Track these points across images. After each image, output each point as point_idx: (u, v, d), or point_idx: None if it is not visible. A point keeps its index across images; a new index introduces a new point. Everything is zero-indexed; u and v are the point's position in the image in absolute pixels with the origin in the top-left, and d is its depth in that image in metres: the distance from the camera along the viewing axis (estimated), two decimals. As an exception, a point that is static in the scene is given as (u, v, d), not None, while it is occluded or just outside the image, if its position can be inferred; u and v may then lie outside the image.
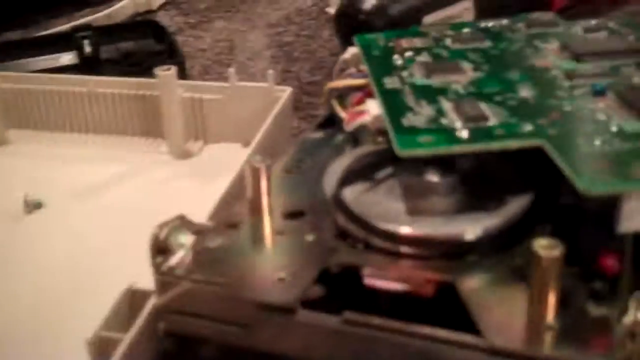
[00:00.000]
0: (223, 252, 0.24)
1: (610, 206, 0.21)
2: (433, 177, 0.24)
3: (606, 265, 0.21)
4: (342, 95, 0.32)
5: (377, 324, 0.21)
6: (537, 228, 0.23)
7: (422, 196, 0.24)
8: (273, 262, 0.24)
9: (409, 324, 0.21)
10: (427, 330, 0.21)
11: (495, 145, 0.23)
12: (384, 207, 0.24)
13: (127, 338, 0.24)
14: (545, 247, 0.19)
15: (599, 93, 0.26)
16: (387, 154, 0.26)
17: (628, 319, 0.19)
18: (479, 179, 0.25)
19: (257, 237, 0.25)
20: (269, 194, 0.25)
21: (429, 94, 0.27)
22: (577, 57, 0.29)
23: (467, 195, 0.24)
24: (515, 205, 0.24)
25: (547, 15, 0.34)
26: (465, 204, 0.24)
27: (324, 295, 0.23)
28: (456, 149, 0.23)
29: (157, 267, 0.24)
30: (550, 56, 0.30)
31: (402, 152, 0.23)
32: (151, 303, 0.24)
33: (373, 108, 0.27)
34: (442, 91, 0.27)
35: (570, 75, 0.28)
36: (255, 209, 0.25)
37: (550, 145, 0.23)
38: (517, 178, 0.25)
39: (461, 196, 0.24)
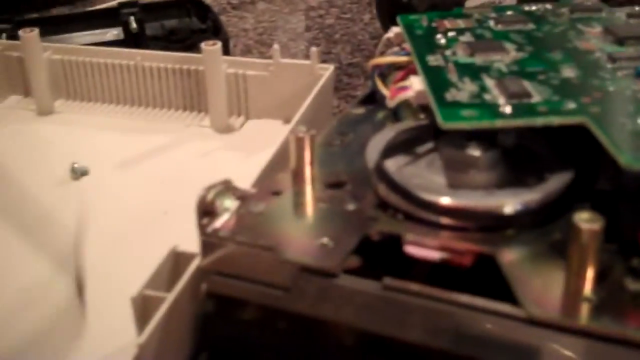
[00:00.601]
0: (266, 217, 0.25)
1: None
2: (474, 152, 0.25)
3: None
4: (384, 73, 0.32)
5: (416, 290, 0.22)
6: (575, 207, 0.24)
7: (463, 170, 0.25)
8: (315, 229, 0.24)
9: (447, 291, 0.21)
10: (465, 298, 0.21)
11: (538, 121, 0.23)
12: (425, 179, 0.25)
13: (170, 297, 0.25)
14: (586, 220, 0.20)
15: (641, 75, 0.26)
16: (429, 129, 0.26)
17: None
18: (519, 155, 0.25)
19: (299, 204, 0.26)
20: (312, 163, 0.26)
21: (472, 71, 0.27)
22: (620, 41, 0.29)
23: (508, 171, 0.25)
24: (555, 182, 0.24)
25: (590, 1, 0.34)
26: (506, 179, 0.24)
27: (362, 264, 0.24)
28: (499, 123, 0.24)
29: (202, 229, 0.24)
30: (593, 39, 0.30)
31: (446, 124, 0.24)
32: (194, 264, 0.25)
33: (416, 84, 0.28)
34: (485, 69, 0.28)
35: (613, 57, 0.28)
36: (298, 177, 0.26)
37: (593, 122, 0.23)
38: (558, 156, 0.25)
39: (501, 171, 0.25)
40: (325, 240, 0.23)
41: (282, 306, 0.23)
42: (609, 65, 0.27)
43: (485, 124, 0.24)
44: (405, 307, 0.22)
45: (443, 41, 0.31)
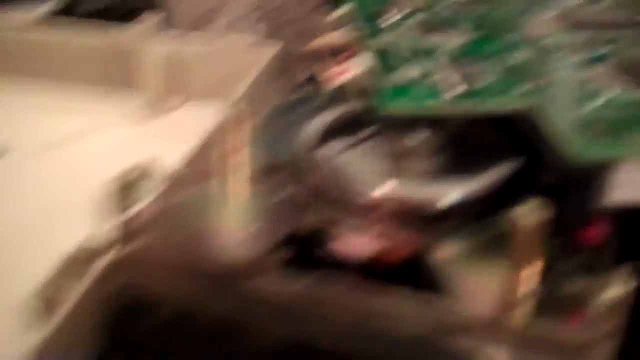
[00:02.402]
0: (189, 206, 0.23)
1: (597, 175, 0.19)
2: (415, 139, 0.23)
3: (590, 238, 0.19)
4: (330, 54, 0.31)
5: (343, 290, 0.20)
6: (518, 196, 0.22)
7: (402, 158, 0.23)
8: (241, 219, 0.22)
9: (377, 291, 0.20)
10: (395, 298, 0.19)
11: (485, 106, 0.22)
12: (361, 167, 0.23)
13: (74, 295, 0.22)
14: (527, 213, 0.18)
15: (595, 61, 0.25)
16: (368, 114, 0.25)
17: (610, 293, 0.18)
18: (463, 143, 0.24)
19: (226, 192, 0.24)
20: (244, 147, 0.24)
21: (420, 53, 0.26)
22: (573, 27, 0.28)
23: (450, 159, 0.23)
24: (498, 172, 0.22)
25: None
26: (447, 168, 0.23)
27: (291, 256, 0.22)
28: (443, 107, 0.22)
29: (116, 217, 0.22)
30: (545, 25, 0.29)
31: (388, 107, 0.22)
32: (105, 258, 0.23)
33: (355, 67, 0.26)
34: (433, 51, 0.26)
35: (565, 44, 0.26)
36: (228, 163, 0.24)
37: (540, 108, 0.21)
38: (502, 145, 0.24)
39: (443, 160, 0.23)
40: (250, 232, 0.21)
41: (200, 305, 0.21)
42: (560, 52, 0.26)
43: (429, 107, 0.22)
44: (335, 304, 0.20)
45: (391, 21, 0.29)
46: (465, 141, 0.24)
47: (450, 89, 0.22)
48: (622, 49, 0.26)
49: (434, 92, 0.22)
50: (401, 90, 0.23)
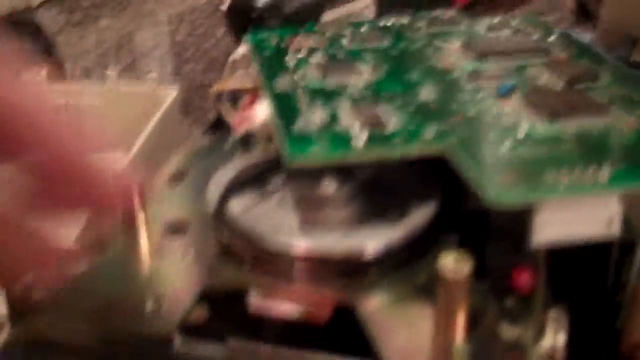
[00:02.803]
0: (90, 277, 0.21)
1: (519, 218, 0.19)
2: (328, 188, 0.22)
3: (519, 282, 0.19)
4: (234, 97, 0.29)
5: (266, 354, 0.19)
6: (442, 237, 0.21)
7: (317, 208, 0.22)
8: (147, 286, 0.21)
9: (303, 351, 0.19)
10: (323, 358, 0.18)
11: (395, 153, 0.21)
12: (274, 221, 0.22)
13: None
14: (452, 265, 0.17)
15: (504, 94, 0.24)
16: (278, 162, 0.23)
17: (545, 342, 0.17)
18: (379, 187, 0.23)
19: (129, 258, 0.22)
20: (143, 208, 0.22)
21: (323, 96, 0.25)
22: (480, 57, 0.27)
23: (367, 206, 0.22)
24: (419, 215, 0.22)
25: (449, 13, 0.32)
26: (365, 216, 0.22)
27: (208, 320, 0.21)
28: (352, 157, 0.21)
29: (10, 292, 0.20)
30: (452, 56, 0.28)
31: (293, 161, 0.21)
32: None
33: (262, 112, 0.25)
34: (337, 94, 0.25)
35: (473, 76, 0.26)
36: (129, 225, 0.22)
37: (454, 151, 0.21)
38: (420, 185, 0.23)
39: (360, 207, 0.22)
40: (158, 300, 0.20)
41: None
42: (470, 85, 0.25)
43: (337, 158, 0.21)
44: None
45: (293, 62, 0.28)
46: (381, 186, 0.23)
47: (358, 136, 0.21)
48: (531, 79, 0.25)
49: (341, 141, 0.21)
50: (306, 139, 0.21)
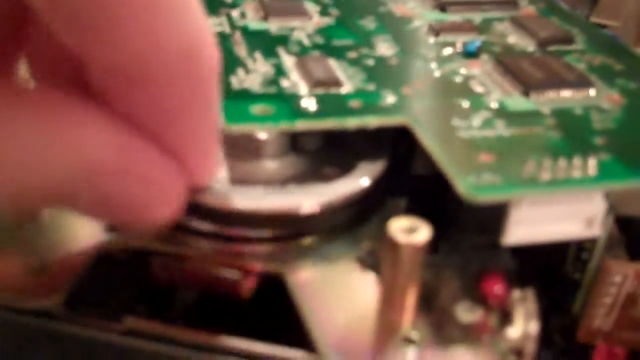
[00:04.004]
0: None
1: (492, 213, 0.16)
2: (262, 135, 0.19)
3: (491, 292, 0.16)
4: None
5: (169, 335, 0.16)
6: (389, 202, 0.19)
7: (246, 159, 0.19)
8: (32, 247, 0.17)
9: (217, 336, 0.15)
10: (241, 344, 0.15)
11: (350, 123, 0.18)
12: None
13: None
14: (405, 229, 0.14)
15: (471, 55, 0.21)
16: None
17: (514, 331, 0.15)
18: (321, 139, 0.20)
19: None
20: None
21: (266, 43, 0.21)
22: (443, 7, 0.24)
23: (304, 161, 0.19)
24: (364, 173, 0.18)
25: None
26: (301, 172, 0.19)
27: (101, 291, 0.17)
28: (300, 125, 0.18)
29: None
30: (410, 2, 0.25)
31: (231, 125, 0.17)
32: None
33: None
34: (283, 40, 0.21)
35: (435, 28, 0.23)
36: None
37: (418, 125, 0.18)
38: (368, 140, 0.20)
39: (296, 162, 0.19)
40: (41, 265, 0.16)
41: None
42: (432, 39, 0.22)
43: (283, 126, 0.18)
44: (158, 358, 0.16)
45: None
46: (322, 138, 0.20)
47: (306, 98, 0.18)
48: (499, 36, 0.23)
49: (286, 105, 0.18)
50: (245, 102, 0.18)
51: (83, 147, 0.12)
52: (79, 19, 0.11)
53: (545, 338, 0.18)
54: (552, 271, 0.19)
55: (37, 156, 0.12)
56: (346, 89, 0.19)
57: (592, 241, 0.18)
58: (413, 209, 0.16)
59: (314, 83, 0.19)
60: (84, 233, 0.17)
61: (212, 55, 0.13)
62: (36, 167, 0.12)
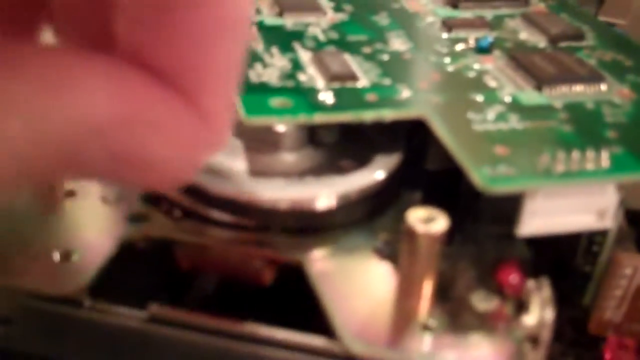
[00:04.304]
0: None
1: (508, 203, 0.16)
2: (280, 127, 0.19)
3: (507, 282, 0.16)
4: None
5: (195, 322, 0.16)
6: (404, 194, 0.19)
7: (265, 152, 0.19)
8: (55, 236, 0.17)
9: (239, 322, 0.16)
10: (262, 331, 0.16)
11: (367, 116, 0.18)
12: (215, 162, 0.19)
13: None
14: (422, 219, 0.15)
15: (484, 50, 0.22)
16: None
17: (530, 319, 0.15)
18: (338, 132, 0.20)
19: (36, 201, 0.19)
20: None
21: (282, 38, 0.22)
22: (454, 3, 0.25)
23: (321, 153, 0.19)
24: (380, 166, 0.19)
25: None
26: (318, 164, 0.19)
27: (125, 279, 0.18)
28: (318, 118, 0.18)
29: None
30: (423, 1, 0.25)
31: (250, 119, 0.18)
32: None
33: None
34: (298, 35, 0.22)
35: (448, 24, 0.23)
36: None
37: (434, 118, 0.18)
38: (384, 134, 0.20)
39: (313, 154, 0.19)
40: (67, 252, 0.17)
41: (3, 346, 0.17)
42: (445, 35, 0.23)
43: (301, 118, 0.18)
44: (180, 344, 0.16)
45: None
46: (339, 132, 0.20)
47: (323, 91, 0.19)
48: (511, 32, 0.23)
49: (304, 99, 0.18)
50: (264, 95, 0.18)
51: (85, 105, 0.11)
52: None
53: (556, 330, 0.18)
54: (563, 264, 0.19)
55: (40, 118, 0.11)
56: (362, 83, 0.19)
57: (603, 234, 0.18)
58: (428, 201, 0.17)
59: (331, 77, 0.19)
60: (108, 223, 0.18)
61: None
62: (42, 130, 0.11)
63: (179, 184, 0.13)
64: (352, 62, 0.20)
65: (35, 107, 0.11)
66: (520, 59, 0.21)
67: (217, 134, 0.13)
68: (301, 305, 0.16)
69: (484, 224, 0.18)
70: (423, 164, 0.20)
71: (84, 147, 0.12)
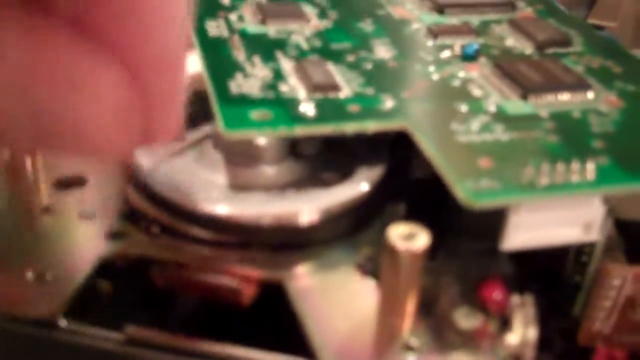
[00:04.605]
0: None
1: (491, 218, 0.16)
2: (260, 141, 0.19)
3: (490, 298, 0.16)
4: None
5: (169, 344, 0.16)
6: (388, 207, 0.19)
7: (245, 165, 0.19)
8: (31, 255, 0.17)
9: (216, 344, 0.15)
10: (239, 352, 0.15)
11: (349, 128, 0.18)
12: (192, 178, 0.19)
13: None
14: (404, 236, 0.14)
15: (470, 57, 0.21)
16: (202, 109, 0.20)
17: (513, 337, 0.15)
18: (320, 144, 0.20)
19: (12, 217, 0.18)
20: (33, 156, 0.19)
21: (264, 47, 0.21)
22: (440, 9, 0.24)
23: (303, 167, 0.19)
24: (363, 179, 0.19)
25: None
26: (302, 177, 0.19)
27: (102, 299, 0.17)
28: (299, 130, 0.18)
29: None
30: (408, 4, 0.25)
31: (229, 132, 0.17)
32: None
33: (190, 64, 0.21)
34: (281, 44, 0.21)
35: (433, 31, 0.23)
36: (15, 176, 0.19)
37: (417, 130, 0.18)
38: (366, 146, 0.20)
39: (295, 167, 0.19)
40: (42, 272, 0.16)
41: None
42: (430, 42, 0.22)
43: (281, 131, 0.18)
44: None
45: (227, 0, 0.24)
46: (321, 144, 0.20)
47: (304, 103, 0.18)
48: (497, 39, 0.23)
49: (285, 111, 0.18)
50: (244, 107, 0.18)
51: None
52: None
53: (546, 341, 0.18)
54: (553, 274, 0.19)
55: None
56: (345, 93, 0.19)
57: (592, 245, 0.18)
58: (412, 214, 0.16)
59: (313, 87, 0.19)
60: (85, 240, 0.17)
61: None
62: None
63: (113, 154, 0.13)
64: (335, 71, 0.20)
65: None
66: (506, 67, 0.20)
67: (159, 117, 0.13)
68: (282, 324, 0.15)
69: (467, 238, 0.17)
70: (407, 175, 0.19)
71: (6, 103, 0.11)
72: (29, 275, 0.16)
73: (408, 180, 0.20)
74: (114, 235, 0.17)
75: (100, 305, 0.17)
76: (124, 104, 0.12)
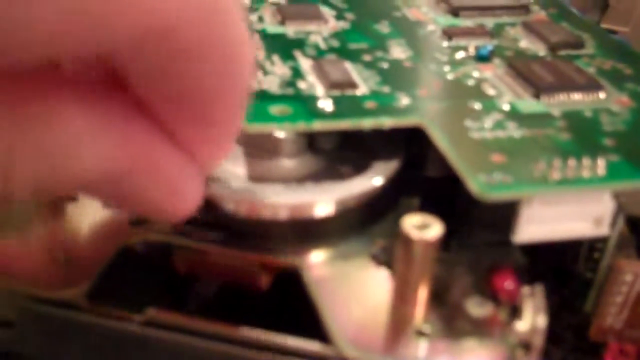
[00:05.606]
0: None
1: (504, 210, 0.17)
2: (280, 134, 0.19)
3: (502, 288, 0.17)
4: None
5: (192, 327, 0.16)
6: (402, 201, 0.19)
7: (266, 158, 0.19)
8: (56, 240, 0.18)
9: (235, 327, 0.16)
10: (259, 335, 0.16)
11: (366, 123, 0.18)
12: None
13: None
14: (418, 226, 0.15)
15: (484, 58, 0.22)
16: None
17: (522, 325, 0.15)
18: (337, 139, 0.20)
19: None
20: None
21: (283, 46, 0.22)
22: (455, 12, 0.25)
23: (322, 159, 0.20)
24: (378, 173, 0.19)
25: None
26: (316, 170, 0.19)
27: (124, 284, 0.18)
28: (317, 125, 0.18)
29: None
30: (424, 7, 0.26)
31: (250, 125, 0.18)
32: None
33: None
34: (300, 44, 0.22)
35: (448, 32, 0.23)
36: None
37: (432, 126, 0.18)
38: (382, 141, 0.20)
39: (311, 160, 0.20)
40: (67, 256, 0.17)
41: (5, 349, 0.17)
42: (445, 43, 0.23)
43: (300, 126, 0.18)
44: (178, 348, 0.16)
45: (247, 1, 0.25)
46: (337, 138, 0.20)
47: (322, 99, 0.19)
48: (511, 40, 0.23)
49: (304, 106, 0.19)
50: (264, 102, 0.18)
51: (92, 157, 0.12)
52: None
53: (557, 336, 0.18)
54: (565, 270, 0.19)
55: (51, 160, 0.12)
56: (362, 90, 0.19)
57: (604, 240, 0.18)
58: (425, 208, 0.17)
59: (330, 85, 0.19)
60: (108, 226, 0.18)
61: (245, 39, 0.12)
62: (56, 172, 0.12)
63: (183, 217, 0.14)
64: (352, 70, 0.20)
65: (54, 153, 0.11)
66: (519, 68, 0.21)
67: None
68: (298, 309, 0.16)
69: (480, 230, 0.18)
70: (421, 171, 0.20)
71: (95, 187, 0.12)
72: (55, 258, 0.17)
73: (422, 176, 0.20)
74: (136, 222, 0.18)
75: (123, 289, 0.17)
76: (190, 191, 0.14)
